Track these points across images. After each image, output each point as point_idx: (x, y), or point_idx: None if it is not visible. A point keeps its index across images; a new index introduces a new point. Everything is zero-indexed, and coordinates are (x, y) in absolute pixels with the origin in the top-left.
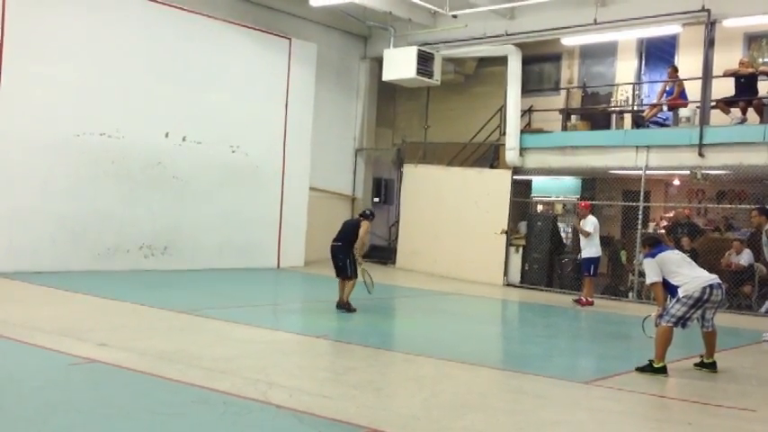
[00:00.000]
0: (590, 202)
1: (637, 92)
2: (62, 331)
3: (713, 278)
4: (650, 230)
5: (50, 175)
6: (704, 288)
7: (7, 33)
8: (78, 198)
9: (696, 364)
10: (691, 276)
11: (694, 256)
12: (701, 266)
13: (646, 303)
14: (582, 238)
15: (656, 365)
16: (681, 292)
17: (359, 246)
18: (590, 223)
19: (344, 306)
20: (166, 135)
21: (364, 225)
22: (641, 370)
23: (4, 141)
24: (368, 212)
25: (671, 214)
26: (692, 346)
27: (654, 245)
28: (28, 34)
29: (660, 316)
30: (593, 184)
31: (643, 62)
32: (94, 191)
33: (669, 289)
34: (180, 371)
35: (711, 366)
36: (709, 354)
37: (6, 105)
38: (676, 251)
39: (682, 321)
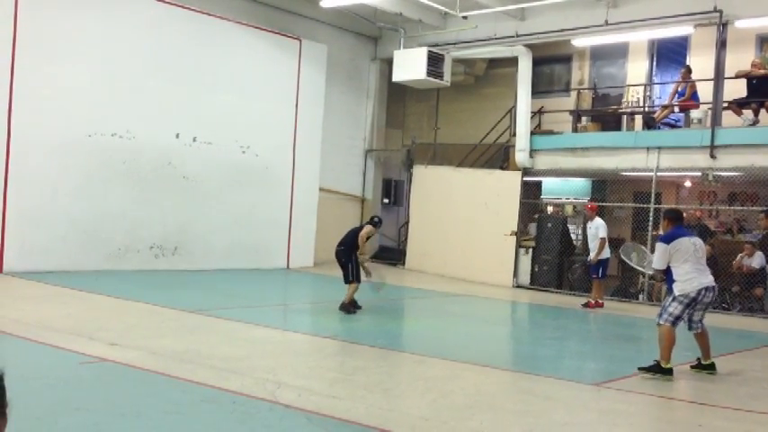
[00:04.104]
0: (597, 204)
1: (648, 93)
2: (73, 330)
3: (710, 281)
4: (660, 233)
5: (62, 176)
6: (700, 290)
7: (20, 34)
8: (89, 198)
9: (693, 367)
10: (690, 275)
11: (714, 262)
12: (713, 268)
13: (656, 305)
14: (590, 240)
15: (664, 366)
16: (677, 290)
17: (361, 245)
18: (596, 226)
19: (344, 308)
20: (177, 136)
21: (366, 227)
22: (647, 369)
23: (17, 141)
24: (376, 219)
25: None
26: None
27: (675, 220)
28: (40, 35)
29: (659, 315)
30: (604, 186)
31: (654, 63)
32: (105, 191)
33: (668, 275)
34: (190, 370)
35: (710, 368)
36: (706, 355)
37: (19, 106)
38: (693, 239)
39: (677, 321)
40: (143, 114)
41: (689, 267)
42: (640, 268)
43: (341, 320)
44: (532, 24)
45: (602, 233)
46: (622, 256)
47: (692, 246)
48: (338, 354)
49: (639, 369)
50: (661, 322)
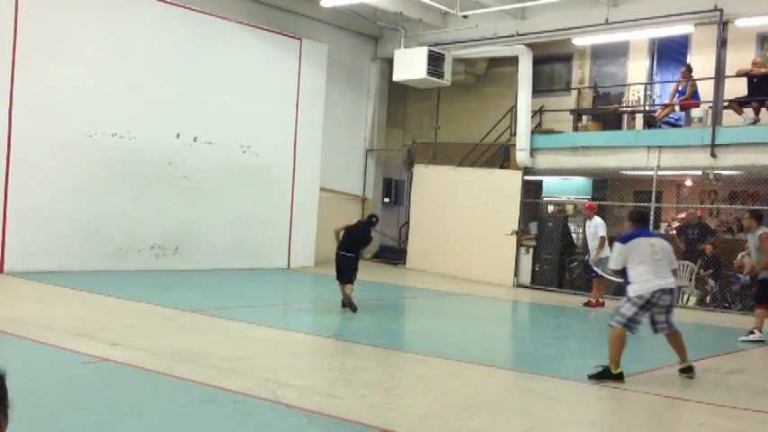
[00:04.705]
0: (595, 203)
1: (648, 92)
2: (74, 330)
3: (667, 283)
4: (662, 231)
5: (63, 175)
6: (654, 292)
7: (20, 34)
8: (90, 198)
9: (680, 369)
10: (645, 276)
11: (716, 262)
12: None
13: None
14: (589, 239)
15: (613, 371)
16: (631, 292)
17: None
18: (595, 225)
19: (350, 303)
20: (177, 135)
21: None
22: (596, 377)
23: (18, 141)
24: (374, 219)
25: (683, 215)
26: (703, 348)
27: (637, 221)
28: (41, 35)
29: (611, 316)
30: (605, 185)
31: (655, 62)
32: (106, 191)
33: (625, 277)
34: (191, 370)
35: (688, 371)
36: (682, 357)
37: (19, 106)
38: (653, 239)
39: (630, 323)
40: (143, 114)
41: (644, 269)
42: (610, 276)
43: (342, 320)
44: (533, 23)
45: (602, 232)
46: (594, 267)
47: (649, 247)
48: (339, 353)
49: (589, 377)
50: (612, 324)
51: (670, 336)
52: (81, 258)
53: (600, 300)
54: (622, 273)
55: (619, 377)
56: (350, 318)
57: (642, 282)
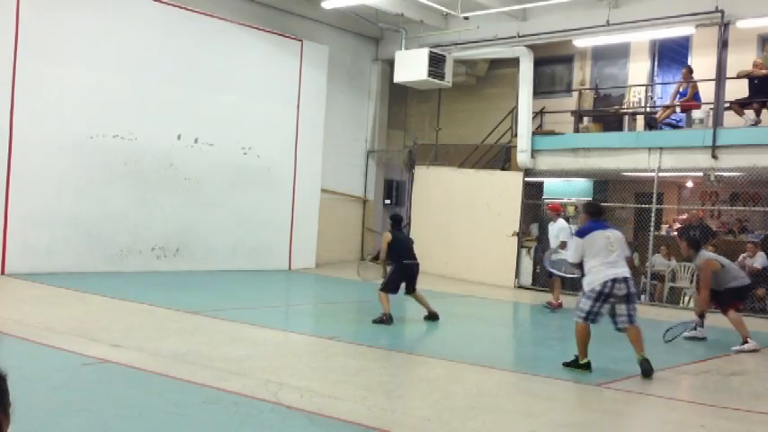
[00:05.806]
0: (560, 204)
1: (649, 93)
2: (75, 332)
3: (618, 273)
4: (662, 233)
5: (64, 177)
6: (605, 282)
7: (21, 36)
8: (91, 199)
9: (638, 362)
10: (596, 268)
11: None
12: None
13: (658, 306)
14: (552, 242)
15: (580, 362)
16: (585, 285)
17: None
18: (559, 228)
19: (434, 313)
20: (179, 137)
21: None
22: (567, 365)
23: (19, 143)
24: (399, 218)
25: (684, 216)
26: (704, 349)
27: (592, 214)
28: (42, 37)
29: (574, 312)
30: (606, 186)
31: (656, 63)
32: (107, 192)
33: (582, 269)
34: (192, 371)
35: (644, 363)
36: (637, 349)
37: (21, 107)
38: (609, 231)
39: (591, 316)
40: (145, 116)
41: (597, 261)
42: (564, 274)
43: (343, 321)
44: (534, 25)
45: (563, 237)
46: (548, 268)
47: (604, 239)
48: (340, 355)
49: (563, 365)
50: (575, 319)
51: (628, 330)
52: (82, 260)
53: (559, 301)
54: (580, 266)
55: (585, 366)
56: (351, 319)
57: (593, 274)
